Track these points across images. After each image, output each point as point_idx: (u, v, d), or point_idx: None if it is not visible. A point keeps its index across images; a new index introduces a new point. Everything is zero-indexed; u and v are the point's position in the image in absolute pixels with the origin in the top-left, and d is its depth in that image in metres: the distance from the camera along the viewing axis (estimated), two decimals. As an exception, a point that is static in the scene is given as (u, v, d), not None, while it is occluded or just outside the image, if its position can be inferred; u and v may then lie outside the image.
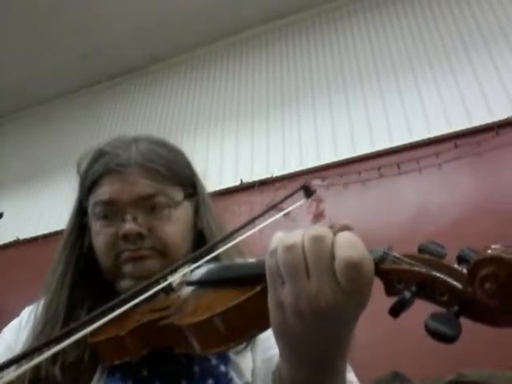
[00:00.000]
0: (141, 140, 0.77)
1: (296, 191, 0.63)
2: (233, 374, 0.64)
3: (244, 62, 3.05)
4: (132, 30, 3.03)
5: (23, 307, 0.82)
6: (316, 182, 2.27)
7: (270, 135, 2.60)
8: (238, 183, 2.45)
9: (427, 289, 0.36)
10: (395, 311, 0.36)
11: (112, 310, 0.46)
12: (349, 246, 0.38)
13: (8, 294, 2.48)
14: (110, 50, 3.18)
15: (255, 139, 2.63)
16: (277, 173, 2.39)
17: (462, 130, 2.11)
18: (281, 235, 0.43)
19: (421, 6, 2.69)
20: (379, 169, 2.17)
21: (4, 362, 0.38)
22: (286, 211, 0.60)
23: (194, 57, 3.26)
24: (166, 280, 0.52)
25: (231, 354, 0.66)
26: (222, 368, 0.64)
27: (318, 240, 0.40)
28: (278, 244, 0.42)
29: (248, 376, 0.65)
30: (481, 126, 2.08)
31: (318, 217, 2.15)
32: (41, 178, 3.21)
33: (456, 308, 0.34)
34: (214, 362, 0.64)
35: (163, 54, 3.28)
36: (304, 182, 0.65)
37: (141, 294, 0.48)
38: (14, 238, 2.87)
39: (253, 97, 2.84)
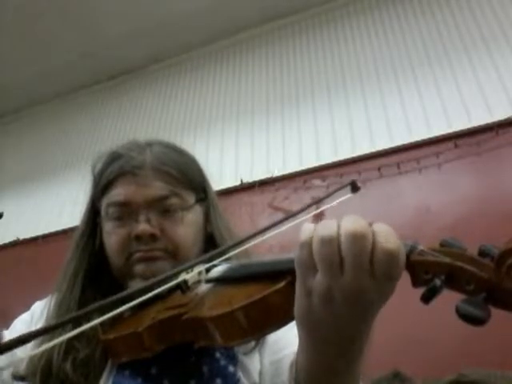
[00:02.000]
0: (154, 144, 0.79)
1: (344, 186, 0.65)
2: (240, 375, 0.65)
3: (244, 62, 3.05)
4: (132, 30, 3.03)
5: (23, 307, 0.82)
6: (316, 182, 2.28)
7: (269, 135, 2.60)
8: (238, 183, 2.45)
9: (454, 278, 0.39)
10: (427, 298, 0.38)
11: (123, 302, 0.45)
12: (388, 238, 0.40)
13: (8, 293, 2.48)
14: (110, 50, 3.18)
15: (255, 139, 2.63)
16: (277, 173, 2.39)
17: (462, 130, 2.11)
18: (313, 226, 0.43)
19: (421, 6, 2.69)
20: (379, 169, 2.17)
21: (19, 337, 0.38)
22: (330, 205, 0.61)
23: (194, 57, 3.26)
24: (178, 277, 0.53)
25: (239, 355, 0.67)
26: (231, 368, 0.65)
27: (358, 238, 0.39)
28: (311, 235, 0.42)
29: (255, 377, 0.67)
30: (481, 126, 2.08)
31: (318, 217, 2.15)
32: (41, 178, 3.21)
33: (484, 294, 0.37)
34: (222, 362, 0.65)
35: (163, 54, 3.28)
36: (352, 180, 0.67)
37: (153, 289, 0.48)
38: (14, 238, 2.87)
39: (253, 97, 2.84)
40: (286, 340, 0.68)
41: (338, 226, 0.41)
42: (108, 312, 0.43)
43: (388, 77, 2.50)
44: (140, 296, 0.45)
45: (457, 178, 2.03)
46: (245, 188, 2.43)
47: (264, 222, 2.25)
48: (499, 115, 2.07)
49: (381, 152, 2.23)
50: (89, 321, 0.42)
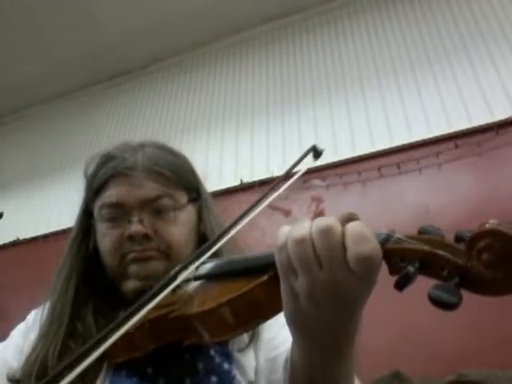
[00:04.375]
0: (147, 145, 0.79)
1: (306, 153, 0.65)
2: (236, 372, 0.65)
3: (244, 62, 3.05)
4: (132, 30, 3.03)
5: (23, 307, 0.82)
6: (316, 182, 2.27)
7: (269, 135, 2.60)
8: (238, 183, 2.45)
9: (429, 264, 0.39)
10: (400, 285, 0.38)
11: (129, 317, 0.48)
12: (360, 239, 0.39)
13: (8, 293, 2.48)
14: (110, 50, 3.18)
15: (255, 139, 2.63)
16: (277, 173, 2.39)
17: (462, 130, 2.11)
18: (287, 229, 0.44)
19: (421, 6, 2.69)
20: (379, 169, 2.17)
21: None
22: (299, 174, 0.61)
23: (194, 57, 3.26)
24: (176, 280, 0.53)
25: (234, 353, 0.67)
26: (226, 366, 0.65)
27: (326, 232, 0.40)
28: (286, 238, 0.43)
29: (251, 374, 0.67)
30: (481, 126, 2.08)
31: (318, 216, 2.15)
32: (41, 178, 3.21)
33: (456, 279, 0.37)
34: (217, 359, 0.65)
35: (163, 54, 3.28)
36: (313, 145, 0.66)
37: (152, 299, 0.49)
38: (14, 238, 2.87)
39: (253, 97, 2.84)
40: (281, 337, 0.69)
41: (310, 226, 0.42)
42: (121, 326, 0.45)
43: (388, 77, 2.50)
44: (145, 305, 0.48)
45: (457, 177, 2.03)
46: (245, 188, 2.43)
47: (264, 222, 2.25)
48: (499, 115, 2.07)
49: (381, 152, 2.23)
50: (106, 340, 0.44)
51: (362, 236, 0.40)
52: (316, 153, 0.64)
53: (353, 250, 0.39)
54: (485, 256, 0.35)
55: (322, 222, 0.41)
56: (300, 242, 0.41)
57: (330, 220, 0.41)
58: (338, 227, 0.41)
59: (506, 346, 1.56)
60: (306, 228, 0.42)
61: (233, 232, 0.59)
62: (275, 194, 0.58)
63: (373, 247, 0.39)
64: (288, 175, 0.62)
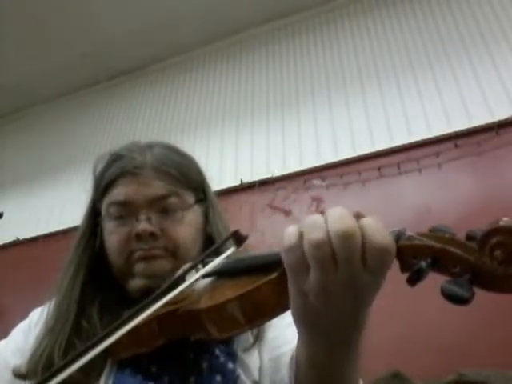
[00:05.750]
0: (155, 145, 0.80)
1: (227, 239, 0.64)
2: (240, 372, 0.66)
3: (244, 62, 3.05)
4: (132, 30, 3.03)
5: (23, 307, 0.83)
6: (316, 182, 2.27)
7: (270, 135, 2.60)
8: (238, 183, 2.45)
9: (440, 261, 0.40)
10: (412, 280, 0.39)
11: (135, 315, 0.48)
12: (377, 233, 0.40)
13: (8, 293, 2.48)
14: (109, 50, 3.18)
15: (255, 139, 2.63)
16: (277, 173, 2.39)
17: (462, 130, 2.11)
18: (296, 228, 0.42)
19: (421, 7, 2.69)
20: (379, 169, 2.17)
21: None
22: (217, 261, 0.59)
23: (194, 57, 3.26)
24: (185, 280, 0.54)
25: (239, 352, 0.68)
26: (230, 365, 0.65)
27: (347, 237, 0.39)
28: (298, 238, 0.41)
29: (255, 374, 0.67)
30: (481, 126, 2.08)
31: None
32: (41, 178, 3.21)
33: (468, 276, 0.38)
34: (222, 359, 0.65)
35: (163, 55, 3.28)
36: (235, 230, 0.64)
37: (160, 298, 0.50)
38: (14, 238, 2.87)
39: (253, 97, 2.84)
40: (285, 337, 0.69)
41: (326, 225, 0.40)
42: (127, 323, 0.46)
43: (388, 77, 2.50)
44: (152, 304, 0.48)
45: (457, 177, 2.03)
46: (245, 188, 2.43)
47: (264, 222, 2.25)
48: (499, 115, 2.07)
49: (381, 152, 2.23)
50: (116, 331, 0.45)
51: (380, 230, 0.40)
52: (238, 239, 0.63)
53: (371, 244, 0.39)
54: (497, 253, 0.36)
55: (340, 226, 0.39)
56: (319, 245, 0.39)
57: (348, 223, 0.40)
58: (357, 229, 0.40)
59: (506, 346, 1.56)
60: (322, 229, 0.40)
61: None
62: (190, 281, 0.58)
63: (390, 240, 0.40)
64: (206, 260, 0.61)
